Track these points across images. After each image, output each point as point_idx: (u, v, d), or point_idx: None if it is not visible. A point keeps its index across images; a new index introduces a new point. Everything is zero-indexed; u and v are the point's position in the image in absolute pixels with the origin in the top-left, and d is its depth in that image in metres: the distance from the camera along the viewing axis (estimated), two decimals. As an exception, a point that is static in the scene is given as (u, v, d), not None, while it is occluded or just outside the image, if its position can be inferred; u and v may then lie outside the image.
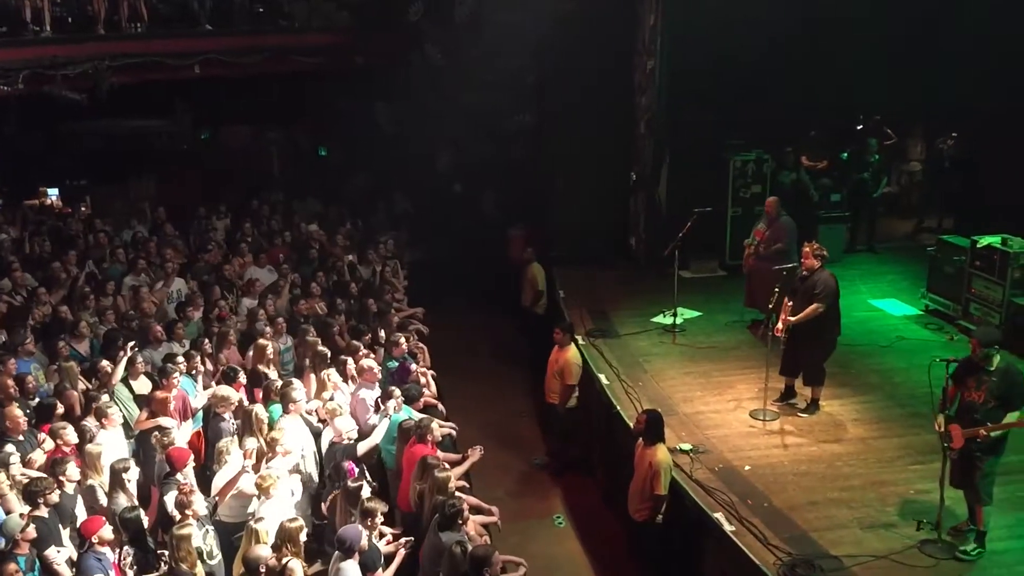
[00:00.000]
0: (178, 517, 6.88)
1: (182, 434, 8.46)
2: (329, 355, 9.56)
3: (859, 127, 14.81)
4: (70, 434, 7.86)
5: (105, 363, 9.14)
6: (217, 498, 7.65)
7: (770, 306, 9.37)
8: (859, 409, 9.66)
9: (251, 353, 9.85)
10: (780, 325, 9.32)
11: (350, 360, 9.63)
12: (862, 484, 8.25)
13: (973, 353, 7.12)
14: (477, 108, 15.21)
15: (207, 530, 7.02)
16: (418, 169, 16.64)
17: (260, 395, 9.01)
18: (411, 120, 16.47)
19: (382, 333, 10.69)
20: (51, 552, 6.72)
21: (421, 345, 10.91)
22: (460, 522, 6.95)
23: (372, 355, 10.04)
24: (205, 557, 6.83)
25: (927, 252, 12.28)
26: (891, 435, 9.10)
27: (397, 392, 8.84)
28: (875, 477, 8.35)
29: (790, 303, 9.34)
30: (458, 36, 15.33)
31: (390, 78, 16.05)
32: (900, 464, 8.54)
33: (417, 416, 8.65)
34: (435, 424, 8.39)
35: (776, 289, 9.39)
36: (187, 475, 7.49)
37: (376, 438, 8.54)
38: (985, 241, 11.12)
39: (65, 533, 7.03)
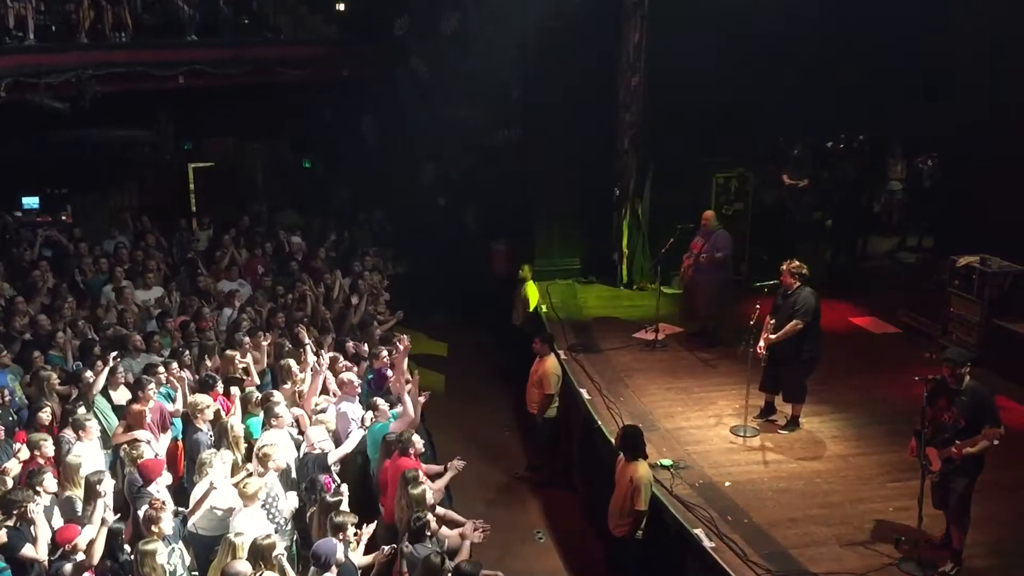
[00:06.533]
0: (145, 533, 6.79)
1: (159, 446, 8.39)
2: (292, 367, 9.51)
3: (840, 146, 14.93)
4: (48, 447, 7.80)
5: (89, 374, 9.08)
6: (191, 511, 7.58)
7: (751, 323, 9.41)
8: (839, 426, 9.71)
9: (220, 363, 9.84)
10: (761, 343, 9.38)
11: (330, 374, 9.61)
12: (841, 501, 8.28)
13: (948, 376, 7.16)
14: (462, 122, 15.25)
15: (173, 548, 6.92)
16: (402, 182, 16.65)
17: (230, 405, 8.95)
18: (396, 133, 16.48)
19: (365, 346, 10.71)
20: (27, 549, 6.68)
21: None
22: (428, 534, 6.95)
23: (354, 368, 10.03)
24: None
25: (907, 270, 12.35)
26: (870, 452, 9.14)
27: (381, 403, 8.85)
28: (854, 494, 8.39)
29: (771, 321, 9.41)
30: (443, 50, 15.37)
31: (375, 91, 16.06)
32: (879, 481, 8.58)
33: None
34: (416, 436, 8.39)
35: (758, 306, 9.45)
36: (160, 487, 7.43)
37: (348, 448, 8.53)
38: (964, 260, 11.21)
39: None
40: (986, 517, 7.58)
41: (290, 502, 7.84)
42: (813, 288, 9.35)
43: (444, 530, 7.53)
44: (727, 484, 8.59)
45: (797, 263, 9.41)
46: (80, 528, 6.72)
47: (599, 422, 9.68)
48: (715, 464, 8.97)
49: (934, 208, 14.31)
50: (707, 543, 7.55)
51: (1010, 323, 10.74)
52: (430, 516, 7.10)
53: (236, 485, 7.38)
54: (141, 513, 7.04)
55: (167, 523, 6.83)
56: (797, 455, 9.15)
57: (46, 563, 6.69)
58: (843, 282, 13.41)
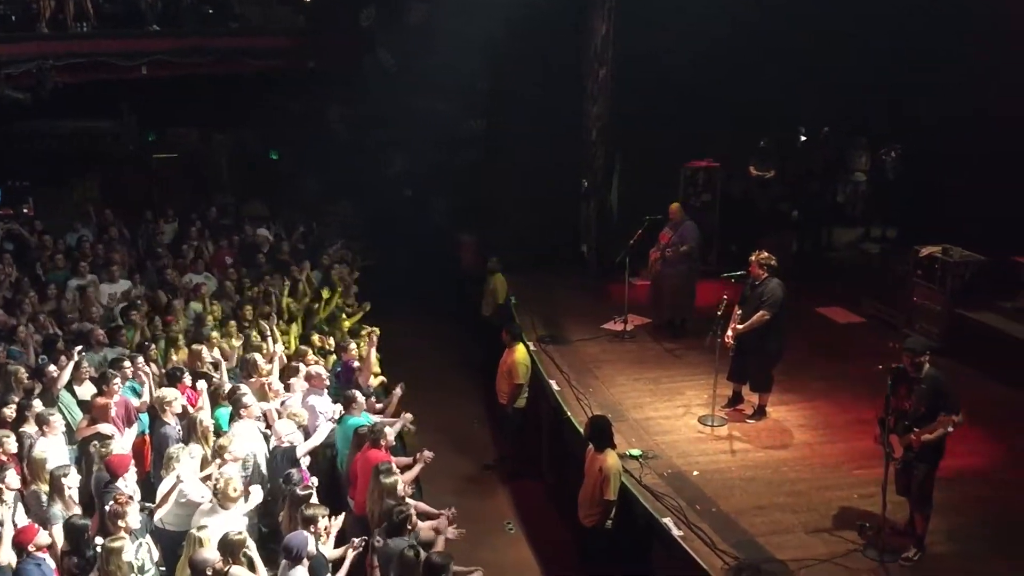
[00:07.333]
0: (111, 528, 6.72)
1: (125, 441, 8.31)
2: (256, 362, 9.46)
3: (803, 138, 15.05)
4: (11, 443, 7.69)
5: (52, 368, 8.98)
6: (158, 506, 7.52)
7: (719, 313, 9.48)
8: (805, 415, 9.81)
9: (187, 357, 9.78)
10: (729, 333, 9.45)
11: (301, 365, 9.56)
12: (807, 489, 8.38)
13: (908, 364, 7.27)
14: (430, 114, 15.20)
15: (140, 543, 6.87)
16: (371, 174, 16.57)
17: (199, 399, 8.88)
18: (363, 125, 16.40)
19: (331, 340, 10.67)
20: None
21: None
22: (409, 528, 6.93)
23: (322, 360, 10.00)
24: (137, 571, 6.68)
25: (872, 261, 12.47)
26: (836, 440, 9.26)
27: (359, 396, 8.83)
28: (820, 482, 8.49)
29: (739, 312, 9.49)
30: (410, 42, 15.31)
31: (342, 82, 15.97)
32: (844, 469, 8.69)
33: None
34: (388, 428, 8.40)
35: (725, 297, 9.52)
36: (128, 482, 7.36)
37: (316, 441, 8.51)
38: (927, 250, 11.37)
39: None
40: (948, 503, 7.71)
41: (253, 497, 7.75)
42: (781, 279, 9.43)
43: (419, 523, 7.52)
44: (695, 473, 8.66)
45: (766, 254, 9.46)
46: (38, 527, 6.63)
47: (568, 413, 9.72)
48: (683, 454, 9.04)
49: (897, 199, 14.47)
50: (675, 532, 7.61)
51: (972, 312, 10.93)
52: (414, 511, 7.08)
53: (220, 488, 7.29)
54: (108, 509, 6.98)
55: (133, 518, 6.76)
56: (764, 444, 9.25)
57: (12, 563, 6.60)
58: (809, 272, 13.53)
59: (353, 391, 9.01)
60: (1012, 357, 10.28)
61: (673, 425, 9.64)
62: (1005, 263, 11.26)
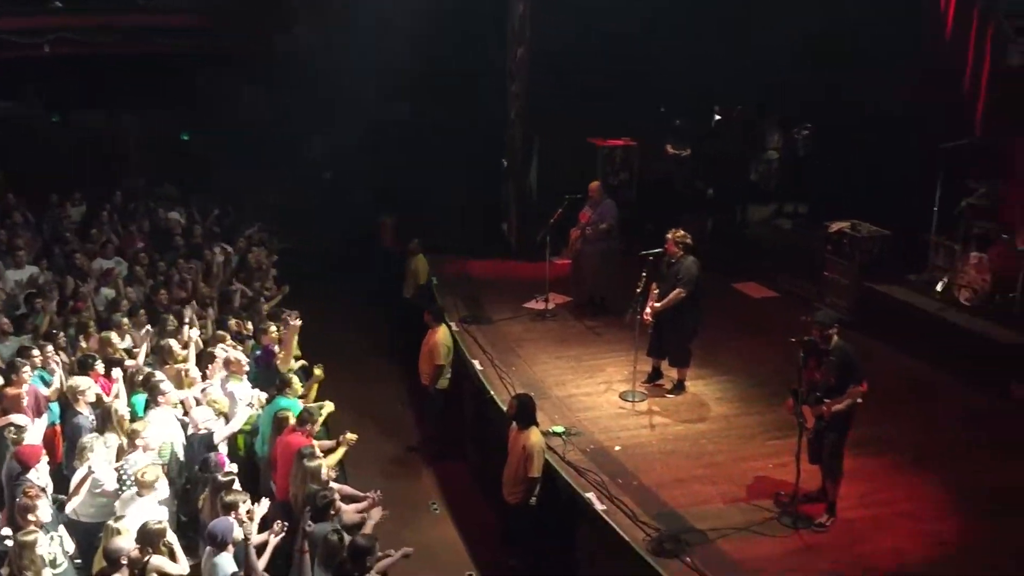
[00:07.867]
0: (20, 522, 6.53)
1: (35, 431, 8.04)
2: (171, 348, 9.27)
3: (717, 118, 15.29)
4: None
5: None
6: (70, 497, 7.33)
7: (638, 291, 9.60)
8: (722, 389, 10.03)
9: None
10: (648, 310, 9.59)
11: (218, 350, 9.38)
12: (724, 460, 8.58)
13: (817, 337, 7.50)
14: (350, 95, 15.01)
15: (52, 536, 6.69)
16: (289, 155, 16.30)
17: (112, 387, 8.65)
18: (281, 106, 16.12)
19: (249, 324, 10.50)
20: None
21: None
22: (332, 512, 6.89)
23: (240, 346, 9.83)
24: (49, 565, 6.50)
25: (785, 237, 12.75)
26: (751, 413, 9.48)
27: (296, 381, 8.73)
28: (737, 453, 8.70)
29: (656, 289, 9.63)
30: (331, 22, 15.08)
31: (259, 62, 15.65)
32: (760, 440, 8.92)
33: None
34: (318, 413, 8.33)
35: (643, 275, 9.64)
36: (40, 473, 7.14)
37: (234, 426, 8.38)
38: (836, 226, 11.69)
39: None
40: (857, 470, 7.96)
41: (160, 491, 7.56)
42: (697, 257, 9.58)
43: (342, 506, 7.48)
44: (617, 448, 8.79)
45: (681, 232, 9.59)
46: None
47: (492, 392, 9.76)
48: (605, 429, 9.16)
49: (809, 176, 14.81)
50: (598, 506, 7.72)
51: (879, 285, 11.30)
52: (337, 495, 7.04)
53: (136, 477, 7.12)
54: (17, 502, 6.77)
55: (44, 511, 6.57)
56: (683, 418, 9.43)
57: None
58: (725, 249, 13.78)
59: (290, 375, 8.91)
60: (918, 329, 10.68)
61: (595, 401, 9.76)
62: (912, 238, 11.65)
